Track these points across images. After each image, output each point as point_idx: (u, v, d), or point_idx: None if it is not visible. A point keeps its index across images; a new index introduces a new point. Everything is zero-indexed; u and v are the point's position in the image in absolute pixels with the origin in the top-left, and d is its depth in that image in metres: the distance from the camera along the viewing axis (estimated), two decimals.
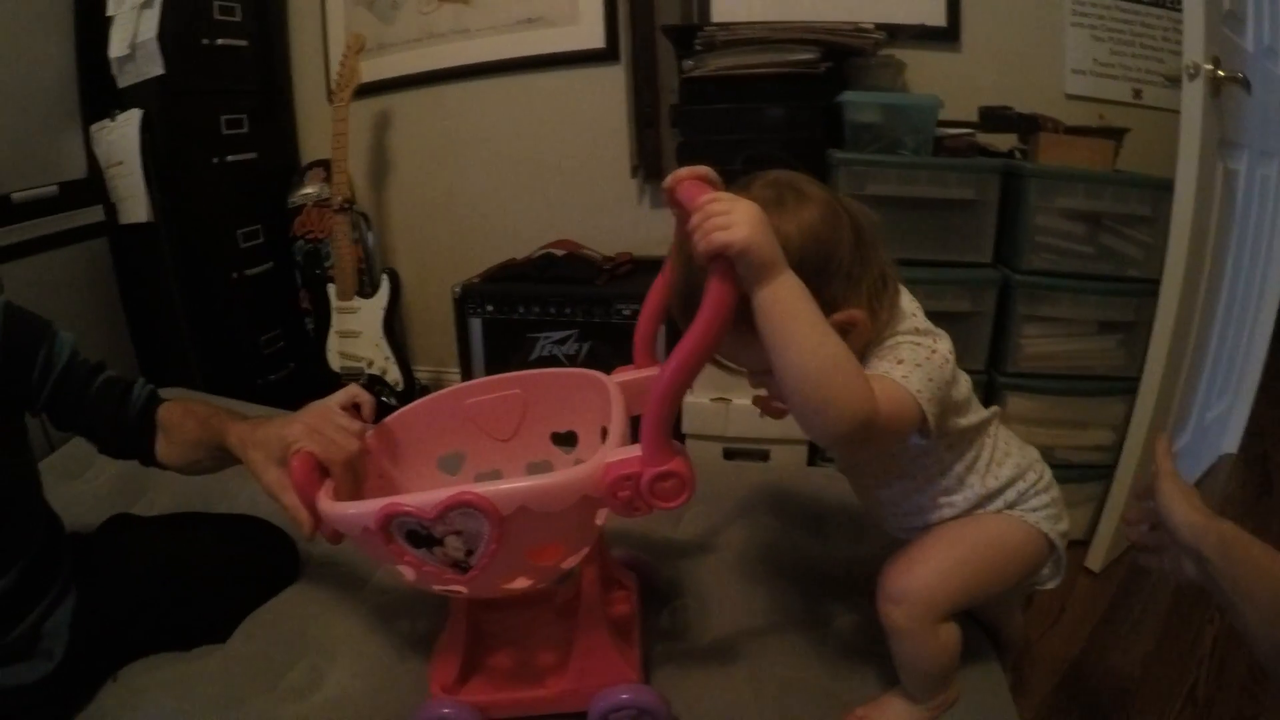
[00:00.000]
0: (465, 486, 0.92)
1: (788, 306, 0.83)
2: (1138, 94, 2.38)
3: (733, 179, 1.00)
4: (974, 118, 2.32)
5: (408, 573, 1.02)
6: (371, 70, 2.98)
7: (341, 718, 1.14)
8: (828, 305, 0.89)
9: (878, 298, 0.98)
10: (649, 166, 2.81)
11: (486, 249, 3.07)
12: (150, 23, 2.77)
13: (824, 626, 1.34)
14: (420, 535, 0.96)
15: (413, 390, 2.98)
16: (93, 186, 3.03)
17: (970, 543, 1.11)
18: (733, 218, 0.81)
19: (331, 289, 3.00)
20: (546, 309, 2.55)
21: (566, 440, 1.31)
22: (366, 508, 0.97)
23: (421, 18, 3.06)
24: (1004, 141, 2.30)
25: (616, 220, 2.98)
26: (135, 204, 2.91)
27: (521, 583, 1.04)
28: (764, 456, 2.34)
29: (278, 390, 3.14)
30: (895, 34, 2.36)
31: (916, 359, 0.96)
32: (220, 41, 2.99)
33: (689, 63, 2.29)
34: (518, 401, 1.32)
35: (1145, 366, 2.03)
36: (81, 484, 1.79)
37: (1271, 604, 0.90)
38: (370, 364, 2.97)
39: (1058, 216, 2.06)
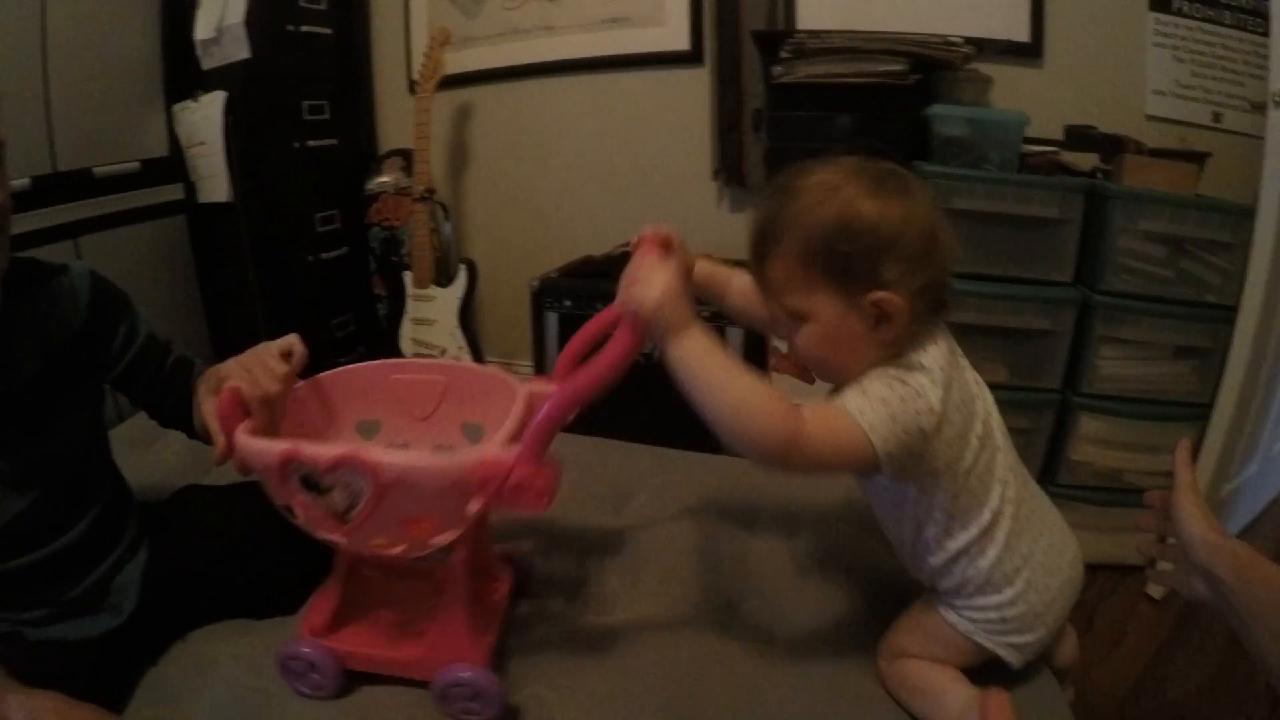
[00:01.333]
0: (356, 447, 1.03)
1: (694, 362, 0.95)
2: (1218, 118, 2.38)
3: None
4: (1053, 134, 2.35)
5: (298, 512, 1.11)
6: (454, 63, 3.07)
7: (413, 697, 1.22)
8: (877, 282, 0.97)
9: (924, 299, 1.01)
10: (730, 170, 2.85)
11: (563, 245, 3.13)
12: (237, 7, 2.88)
13: (714, 626, 1.37)
14: (311, 481, 1.07)
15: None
16: (173, 165, 3.14)
17: (910, 631, 1.18)
18: (649, 285, 0.96)
19: (408, 276, 3.08)
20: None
21: (475, 432, 1.39)
22: (271, 447, 1.06)
23: (506, 13, 3.15)
24: (1085, 161, 2.32)
25: (695, 222, 2.99)
26: (216, 184, 3.03)
27: (394, 547, 1.14)
28: None
29: None
30: (980, 48, 2.39)
31: (885, 395, 0.99)
32: (305, 28, 3.10)
33: (778, 69, 2.34)
34: (438, 387, 1.41)
35: (1218, 394, 2.06)
36: (151, 454, 1.86)
37: None
38: (443, 352, 3.04)
39: (1140, 239, 2.09)
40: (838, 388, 1.08)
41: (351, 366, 1.43)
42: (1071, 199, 2.13)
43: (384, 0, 3.47)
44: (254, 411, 1.13)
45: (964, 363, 1.10)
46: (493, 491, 1.02)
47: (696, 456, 1.89)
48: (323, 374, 1.38)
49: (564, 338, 2.67)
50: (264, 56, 2.95)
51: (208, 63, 3.04)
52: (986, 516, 1.07)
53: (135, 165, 2.98)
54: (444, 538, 1.13)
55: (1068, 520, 1.72)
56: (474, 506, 1.08)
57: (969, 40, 2.34)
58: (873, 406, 0.98)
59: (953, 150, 2.21)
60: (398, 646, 1.24)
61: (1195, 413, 2.14)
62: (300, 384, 1.30)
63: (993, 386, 2.14)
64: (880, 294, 0.98)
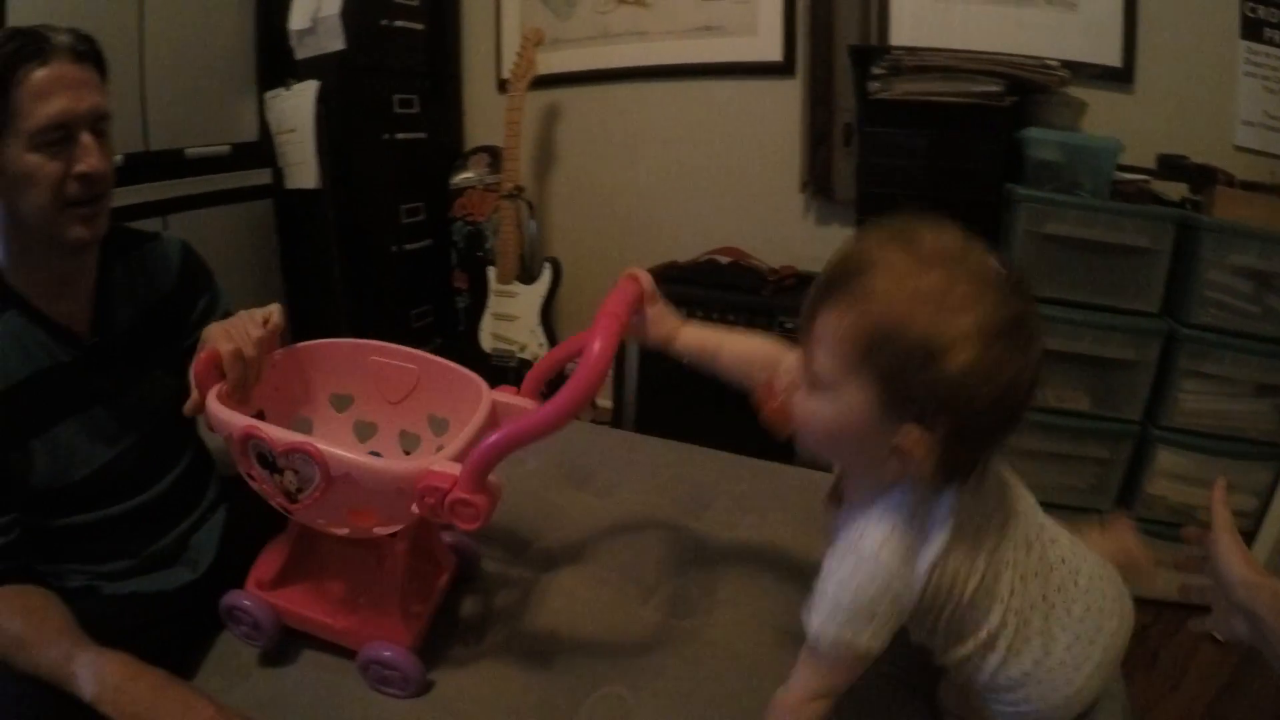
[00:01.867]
0: (310, 439, 1.08)
1: None
2: None
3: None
4: (1143, 161, 2.36)
5: (252, 483, 1.18)
6: (544, 64, 3.13)
7: (493, 690, 1.26)
8: (925, 425, 0.82)
9: (944, 469, 0.86)
10: (818, 183, 2.90)
11: (646, 248, 3.18)
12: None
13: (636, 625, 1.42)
14: (268, 459, 1.12)
15: (560, 377, 3.06)
16: (262, 150, 3.26)
17: None
18: None
19: (491, 271, 3.17)
20: (709, 314, 2.58)
21: (440, 425, 1.43)
22: (235, 419, 1.12)
23: (598, 16, 3.22)
24: (1174, 190, 2.34)
25: (781, 233, 3.06)
26: (305, 170, 3.14)
27: (339, 530, 1.22)
28: None
29: None
30: (1073, 70, 2.40)
31: (834, 594, 0.92)
32: (398, 23, 3.21)
33: (875, 85, 2.37)
34: (412, 375, 1.45)
35: None
36: None
37: None
38: (523, 348, 3.12)
39: (1228, 273, 2.11)
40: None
41: (334, 340, 1.49)
42: (1162, 229, 2.15)
43: None
44: (227, 370, 1.20)
45: (987, 486, 0.98)
46: (430, 504, 1.06)
47: (775, 466, 1.92)
48: (306, 343, 1.45)
49: None
50: (358, 49, 3.05)
51: (301, 52, 3.15)
52: (984, 634, 0.99)
53: (226, 149, 3.11)
54: (387, 530, 1.21)
55: None
56: (417, 508, 1.12)
57: (1062, 63, 2.36)
58: (830, 616, 0.91)
59: (1046, 174, 2.24)
60: (333, 613, 1.29)
61: (1273, 452, 2.17)
62: (284, 350, 1.37)
63: (1074, 415, 2.22)
64: (914, 437, 0.83)
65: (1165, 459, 2.28)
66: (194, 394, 1.23)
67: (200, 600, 1.40)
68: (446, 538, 1.46)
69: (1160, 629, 2.23)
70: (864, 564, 0.89)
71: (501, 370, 3.19)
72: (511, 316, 3.17)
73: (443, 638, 1.35)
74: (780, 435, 1.02)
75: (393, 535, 1.28)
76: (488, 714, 1.22)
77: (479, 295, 3.27)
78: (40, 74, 1.21)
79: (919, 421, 0.81)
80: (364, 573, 1.32)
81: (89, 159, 1.26)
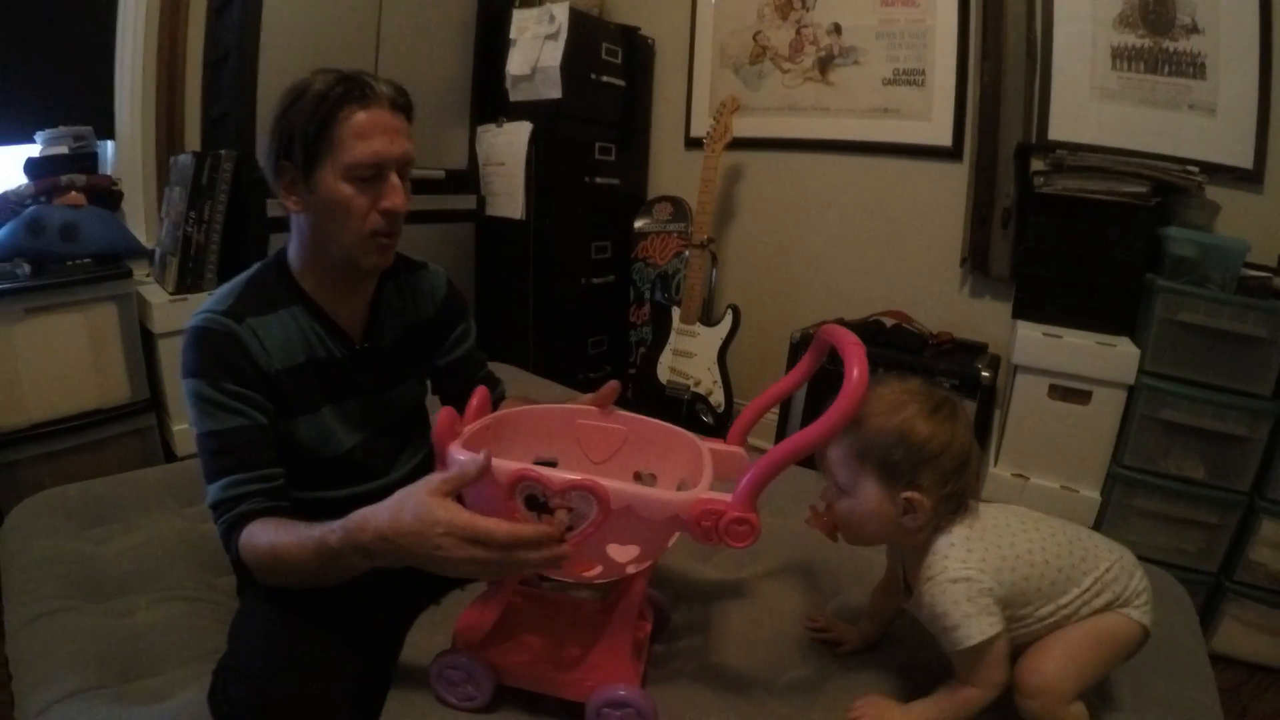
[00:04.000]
0: (592, 476, 1.17)
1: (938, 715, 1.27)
2: None
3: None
4: (1268, 259, 2.58)
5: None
6: (733, 128, 3.50)
7: None
8: (915, 485, 1.23)
9: (947, 504, 1.26)
10: (976, 259, 3.15)
11: (816, 305, 3.53)
12: (553, 52, 3.46)
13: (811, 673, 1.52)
14: (537, 501, 1.18)
15: (729, 415, 3.39)
16: (470, 178, 3.74)
17: (1090, 639, 1.31)
18: None
19: (675, 311, 3.53)
20: (874, 369, 2.68)
21: (648, 480, 1.51)
22: (503, 466, 1.18)
23: (785, 90, 3.63)
24: None
25: (940, 301, 3.30)
26: (511, 201, 3.60)
27: (593, 570, 1.26)
28: (1086, 397, 2.64)
29: (593, 388, 3.60)
30: (1210, 173, 2.64)
31: (952, 613, 1.23)
32: (604, 78, 3.68)
33: (1040, 179, 2.70)
34: (620, 435, 1.54)
35: None
36: None
37: None
38: (698, 383, 3.45)
39: None
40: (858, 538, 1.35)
41: (538, 406, 1.59)
42: (1278, 321, 2.36)
43: (669, 62, 4.01)
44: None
45: (982, 507, 1.34)
46: (707, 528, 1.19)
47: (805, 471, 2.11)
48: (512, 409, 1.53)
49: (813, 388, 2.96)
50: (571, 98, 3.51)
51: (516, 95, 3.63)
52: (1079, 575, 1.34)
53: (440, 173, 3.61)
54: (638, 566, 1.29)
55: (1236, 615, 2.31)
56: (671, 541, 1.28)
57: (1195, 164, 2.65)
58: (964, 624, 1.22)
59: (1182, 268, 2.50)
60: (555, 665, 1.37)
61: None
62: (491, 416, 1.44)
63: (1190, 482, 2.55)
64: (912, 494, 1.23)
65: (1269, 529, 2.42)
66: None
67: (424, 579, 1.46)
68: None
69: (1252, 688, 2.43)
70: (955, 585, 1.24)
71: (675, 401, 3.50)
72: (690, 354, 3.50)
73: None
74: (832, 538, 1.36)
75: (604, 588, 1.44)
76: None
77: (659, 331, 3.61)
78: (362, 116, 1.37)
79: (911, 484, 1.24)
80: (573, 631, 1.41)
81: (395, 197, 1.42)
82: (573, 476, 1.16)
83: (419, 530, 1.12)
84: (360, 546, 1.17)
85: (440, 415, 1.27)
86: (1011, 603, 1.26)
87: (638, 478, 1.52)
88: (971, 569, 1.25)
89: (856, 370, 1.17)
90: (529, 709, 1.37)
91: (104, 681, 1.34)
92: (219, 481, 1.37)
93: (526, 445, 1.45)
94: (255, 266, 1.53)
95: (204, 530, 1.52)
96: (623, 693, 1.29)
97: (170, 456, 2.97)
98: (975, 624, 1.21)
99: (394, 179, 1.42)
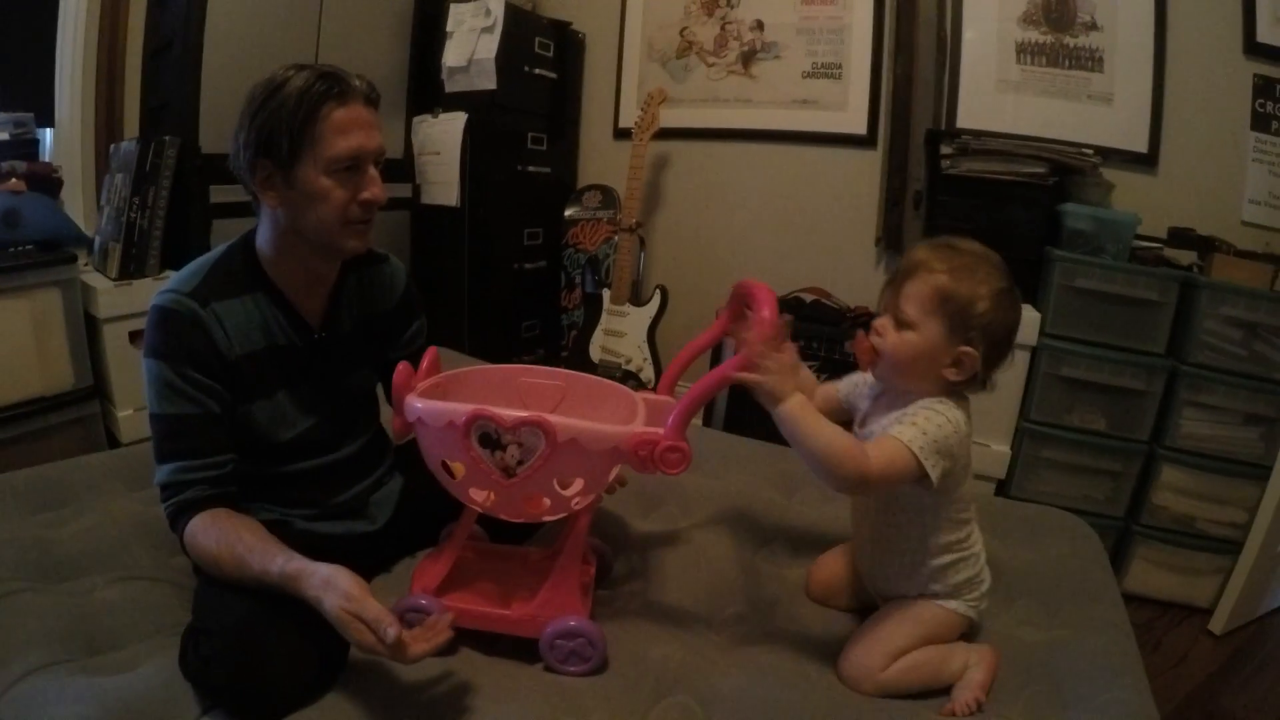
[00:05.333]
0: (539, 413, 1.28)
1: (790, 421, 1.26)
2: None
3: None
4: (1162, 233, 2.81)
5: (459, 470, 1.36)
6: (661, 119, 3.62)
7: None
8: (971, 341, 1.34)
9: (986, 368, 1.37)
10: (890, 238, 3.34)
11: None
12: (489, 45, 3.56)
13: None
14: (491, 438, 1.28)
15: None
16: (405, 167, 3.82)
17: (910, 629, 1.44)
18: (771, 366, 1.25)
19: (606, 293, 3.64)
20: (794, 342, 2.74)
21: None
22: (459, 408, 1.29)
23: (709, 83, 3.79)
24: (1186, 257, 2.76)
25: (857, 278, 3.43)
26: (446, 190, 3.69)
27: (541, 506, 1.37)
28: None
29: None
30: (1103, 156, 2.85)
31: (924, 425, 1.32)
32: (537, 70, 3.79)
33: (946, 162, 2.88)
34: (559, 390, 1.63)
35: (1279, 457, 2.49)
36: None
37: None
38: (628, 361, 3.56)
39: (1221, 322, 2.54)
40: (872, 410, 1.50)
41: (486, 366, 1.71)
42: (1168, 286, 2.60)
43: (599, 55, 4.14)
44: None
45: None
46: (644, 456, 1.30)
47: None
48: (458, 371, 1.62)
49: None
50: (506, 89, 3.62)
51: (451, 86, 3.72)
52: (973, 521, 1.50)
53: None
54: (584, 501, 1.40)
55: (1145, 556, 2.43)
56: (612, 475, 1.40)
57: (1095, 148, 2.86)
58: (915, 435, 1.31)
59: (1078, 240, 2.74)
60: (509, 605, 1.46)
61: (1258, 473, 2.55)
62: (440, 376, 1.52)
63: (1092, 433, 2.77)
64: (969, 349, 1.34)
65: (1168, 475, 2.65)
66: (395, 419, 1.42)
67: (375, 548, 1.67)
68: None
69: (1166, 623, 2.62)
70: (949, 420, 1.34)
71: (609, 379, 3.52)
72: (620, 333, 3.61)
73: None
74: (864, 366, 1.46)
75: (556, 525, 1.55)
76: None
77: (590, 314, 3.71)
78: (341, 112, 1.41)
79: (969, 343, 1.34)
80: (522, 577, 1.53)
81: (373, 188, 1.47)
82: (522, 414, 1.28)
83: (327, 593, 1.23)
84: (287, 588, 1.27)
85: (398, 370, 1.38)
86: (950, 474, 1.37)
87: None
88: (964, 430, 1.37)
89: (766, 310, 1.28)
90: (487, 651, 1.46)
91: (70, 655, 1.35)
92: (168, 465, 1.44)
93: (473, 400, 1.44)
94: (221, 248, 1.57)
95: (156, 513, 1.51)
96: (573, 623, 1.39)
97: (114, 443, 2.97)
98: (923, 439, 1.31)
99: (372, 171, 1.48)
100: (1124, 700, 1.36)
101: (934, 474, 1.31)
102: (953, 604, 1.48)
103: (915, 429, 1.32)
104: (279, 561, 1.29)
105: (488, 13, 3.58)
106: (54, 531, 1.72)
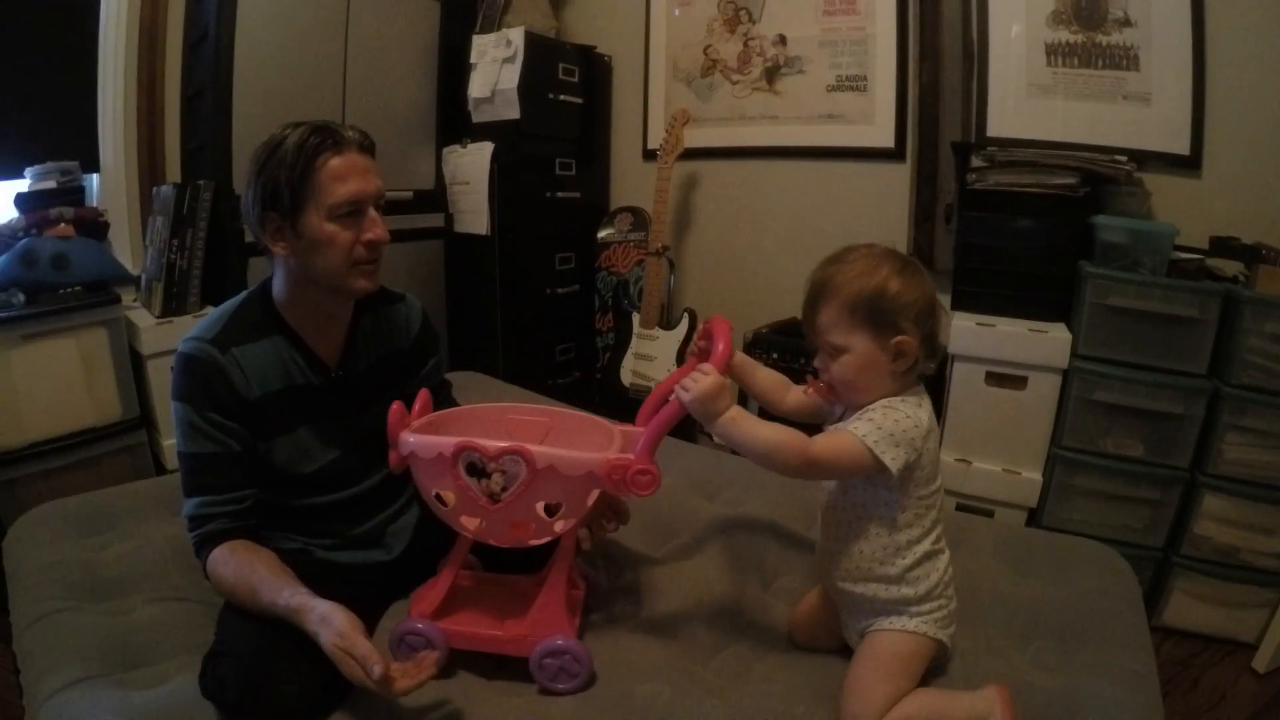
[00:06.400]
0: (519, 444, 1.39)
1: (728, 430, 1.36)
2: None
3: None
4: (1205, 241, 2.66)
5: (448, 497, 1.46)
6: (686, 139, 3.61)
7: None
8: (898, 330, 1.38)
9: (925, 346, 1.41)
10: (921, 254, 3.19)
11: (768, 306, 3.56)
12: (511, 75, 3.57)
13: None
14: (477, 467, 1.40)
15: (690, 415, 3.44)
16: (437, 197, 3.89)
17: (884, 669, 1.44)
18: (693, 390, 1.35)
19: (635, 317, 3.65)
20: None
21: None
22: (447, 440, 1.40)
23: (735, 101, 3.75)
24: (1232, 267, 2.57)
25: None
26: (477, 218, 3.72)
27: (526, 530, 1.47)
28: (1022, 383, 2.74)
29: (562, 393, 3.72)
30: (1142, 160, 2.74)
31: (879, 420, 1.37)
32: (562, 97, 3.80)
33: (972, 176, 2.80)
34: (544, 426, 1.73)
35: None
36: None
37: None
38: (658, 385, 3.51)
39: (1268, 340, 2.37)
40: (846, 413, 1.49)
41: (476, 405, 1.84)
42: (1209, 302, 2.44)
43: (625, 77, 4.13)
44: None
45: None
46: (617, 479, 1.40)
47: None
48: (452, 409, 1.76)
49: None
50: (529, 117, 3.63)
51: (478, 117, 3.76)
52: (939, 527, 1.49)
53: (409, 194, 3.77)
54: (565, 525, 1.49)
55: (1185, 589, 2.28)
56: (592, 500, 1.48)
57: (1130, 152, 2.74)
58: (869, 430, 1.36)
59: (1113, 254, 2.60)
60: (501, 627, 1.54)
61: None
62: (431, 416, 1.60)
63: (1129, 460, 2.63)
64: (901, 339, 1.38)
65: (1211, 503, 2.50)
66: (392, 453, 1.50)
67: (390, 577, 1.75)
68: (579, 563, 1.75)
69: (1206, 658, 2.50)
70: (907, 416, 1.39)
71: (637, 403, 3.35)
72: (651, 357, 3.61)
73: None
74: (832, 404, 1.54)
75: (546, 549, 1.58)
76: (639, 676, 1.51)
77: (622, 337, 3.72)
78: (337, 161, 1.52)
79: (899, 331, 1.38)
80: (514, 602, 1.60)
81: (376, 230, 1.58)
82: (504, 444, 1.39)
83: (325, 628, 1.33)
84: (291, 620, 1.38)
85: (392, 409, 1.48)
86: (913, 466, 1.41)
87: None
88: (924, 424, 1.41)
89: (722, 344, 1.42)
90: (484, 676, 1.55)
91: (106, 670, 1.49)
92: (193, 499, 1.56)
93: (464, 436, 1.54)
94: (241, 295, 1.69)
95: None
96: (560, 642, 1.48)
97: (160, 469, 3.10)
98: (877, 433, 1.37)
99: (372, 213, 1.58)
100: None
101: (893, 465, 1.36)
102: (914, 624, 1.47)
103: (870, 424, 1.38)
104: (285, 595, 1.40)
105: (509, 43, 3.60)
106: (99, 555, 1.90)
